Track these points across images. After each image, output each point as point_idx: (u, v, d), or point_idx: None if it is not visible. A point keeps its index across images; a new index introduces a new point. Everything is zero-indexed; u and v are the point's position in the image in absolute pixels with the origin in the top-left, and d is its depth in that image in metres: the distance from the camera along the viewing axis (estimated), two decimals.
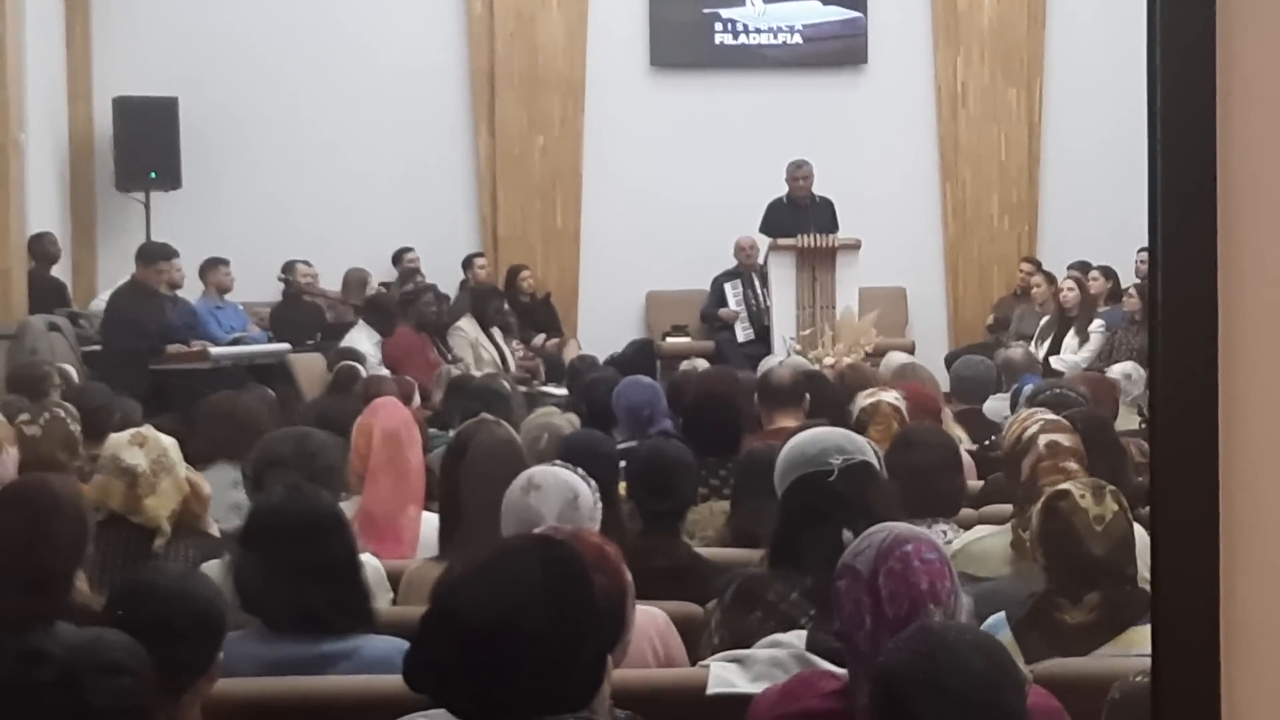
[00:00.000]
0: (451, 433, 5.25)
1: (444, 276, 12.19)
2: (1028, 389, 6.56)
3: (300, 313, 11.48)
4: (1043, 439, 4.28)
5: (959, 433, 6.41)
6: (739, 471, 4.94)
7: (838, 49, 13.26)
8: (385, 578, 4.08)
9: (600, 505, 3.67)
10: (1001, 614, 3.41)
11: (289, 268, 11.77)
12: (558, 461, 3.87)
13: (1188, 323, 1.47)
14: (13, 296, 9.88)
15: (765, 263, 11.58)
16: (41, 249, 10.94)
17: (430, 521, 4.57)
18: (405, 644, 2.42)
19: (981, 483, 5.50)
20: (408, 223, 12.61)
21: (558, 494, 3.57)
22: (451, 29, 12.95)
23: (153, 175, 12.09)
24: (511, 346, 11.37)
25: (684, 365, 8.73)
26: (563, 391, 9.48)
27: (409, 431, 4.90)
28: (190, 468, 4.53)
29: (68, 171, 12.41)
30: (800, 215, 11.65)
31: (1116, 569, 3.35)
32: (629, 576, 2.73)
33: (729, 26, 13.26)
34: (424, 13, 12.84)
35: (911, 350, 10.39)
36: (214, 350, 9.65)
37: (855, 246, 11.14)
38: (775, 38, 13.28)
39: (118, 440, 4.39)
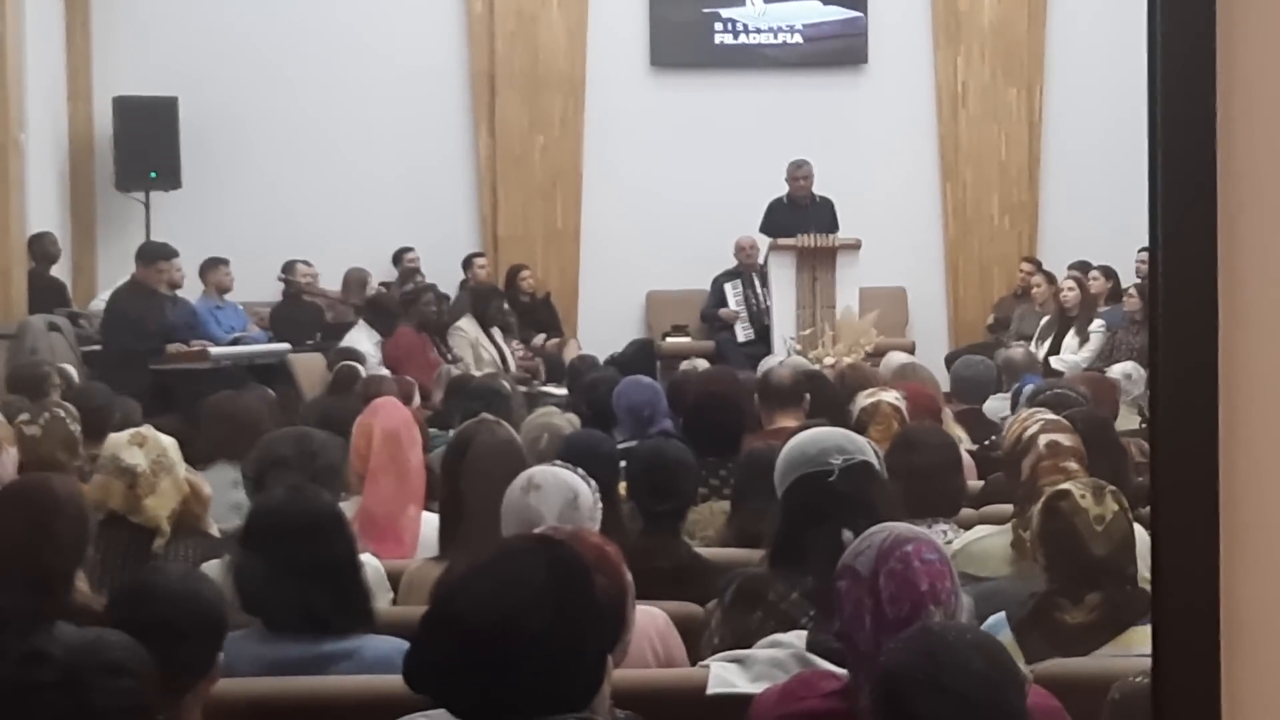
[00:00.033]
0: (452, 433, 5.24)
1: (444, 276, 12.19)
2: (1028, 389, 6.56)
3: (300, 312, 11.48)
4: (1043, 439, 4.28)
5: (959, 433, 6.41)
6: (739, 471, 4.94)
7: (838, 49, 13.26)
8: (385, 578, 4.08)
9: (600, 505, 3.67)
10: (1002, 614, 3.41)
11: (289, 267, 11.77)
12: (558, 461, 3.87)
13: (1188, 322, 1.47)
14: (13, 296, 9.88)
15: (765, 263, 11.58)
16: (41, 249, 10.94)
17: (430, 521, 4.57)
18: (405, 644, 2.42)
19: (982, 483, 5.50)
20: (408, 222, 12.61)
21: (558, 494, 3.57)
22: (452, 29, 12.95)
23: (153, 175, 12.10)
24: (512, 346, 11.37)
25: (684, 365, 8.73)
26: (563, 391, 9.48)
27: (409, 431, 4.90)
28: (190, 468, 4.54)
29: (68, 171, 12.42)
30: (800, 215, 11.65)
31: (1117, 569, 3.35)
32: (629, 577, 2.73)
33: (729, 26, 13.26)
34: (424, 12, 12.84)
35: (912, 350, 10.39)
36: (214, 350, 9.64)
37: (855, 246, 11.14)
38: (775, 37, 13.28)
39: (117, 440, 4.39)
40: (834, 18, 13.27)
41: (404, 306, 11.11)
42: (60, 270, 11.40)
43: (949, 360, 9.56)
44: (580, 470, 3.69)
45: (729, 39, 13.27)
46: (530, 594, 2.21)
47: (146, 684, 2.37)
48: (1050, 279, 11.78)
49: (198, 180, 12.14)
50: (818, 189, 11.90)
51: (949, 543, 4.15)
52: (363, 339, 10.45)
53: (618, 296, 12.86)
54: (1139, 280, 11.13)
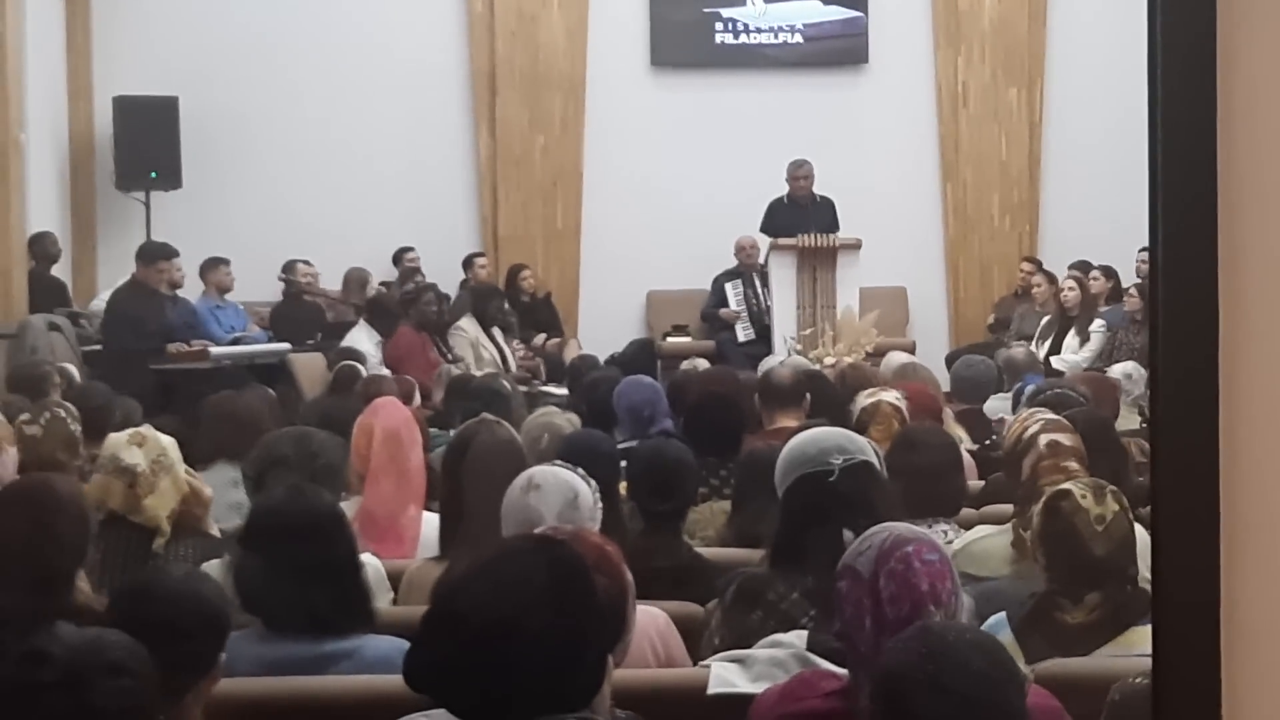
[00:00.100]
0: (452, 432, 5.25)
1: (444, 276, 12.19)
2: (1029, 389, 6.56)
3: (301, 312, 11.48)
4: (1043, 439, 4.28)
5: (959, 433, 6.41)
6: (740, 471, 4.94)
7: (838, 48, 13.26)
8: (386, 577, 4.08)
9: (601, 505, 3.67)
10: (1002, 614, 3.41)
11: (289, 267, 11.77)
12: (558, 461, 3.87)
13: (1188, 322, 1.47)
14: (13, 296, 9.88)
15: (766, 262, 11.58)
16: (42, 249, 10.94)
17: (431, 521, 4.57)
18: (406, 644, 2.42)
19: (982, 483, 5.50)
20: (408, 222, 12.61)
21: (558, 494, 3.57)
22: (452, 28, 12.95)
23: (153, 175, 12.10)
24: (512, 346, 11.38)
25: (685, 365, 8.73)
26: (563, 391, 9.47)
27: (410, 431, 4.90)
28: (191, 469, 4.54)
29: (68, 171, 12.42)
30: (801, 215, 11.65)
31: (1117, 569, 3.35)
32: (630, 577, 2.73)
33: (730, 26, 13.26)
34: (425, 12, 12.84)
35: (912, 350, 10.39)
36: (214, 350, 9.64)
37: (856, 246, 11.14)
38: (776, 37, 13.28)
39: (117, 440, 4.39)
40: (834, 17, 13.26)
41: (404, 306, 11.11)
42: (61, 270, 11.40)
43: (949, 360, 9.55)
44: (580, 470, 3.69)
45: (729, 39, 13.27)
46: (530, 594, 2.21)
47: (147, 684, 2.37)
48: (1051, 279, 11.78)
49: (198, 180, 12.14)
50: (818, 189, 11.90)
51: (949, 543, 4.15)
52: (363, 339, 10.45)
53: (618, 296, 12.86)
54: (1139, 280, 11.13)
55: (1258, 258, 1.46)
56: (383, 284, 12.27)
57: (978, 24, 13.18)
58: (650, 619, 3.40)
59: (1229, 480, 1.46)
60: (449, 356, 10.69)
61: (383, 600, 3.92)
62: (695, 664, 3.34)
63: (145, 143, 12.01)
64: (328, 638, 3.31)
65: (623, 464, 4.68)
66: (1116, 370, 8.01)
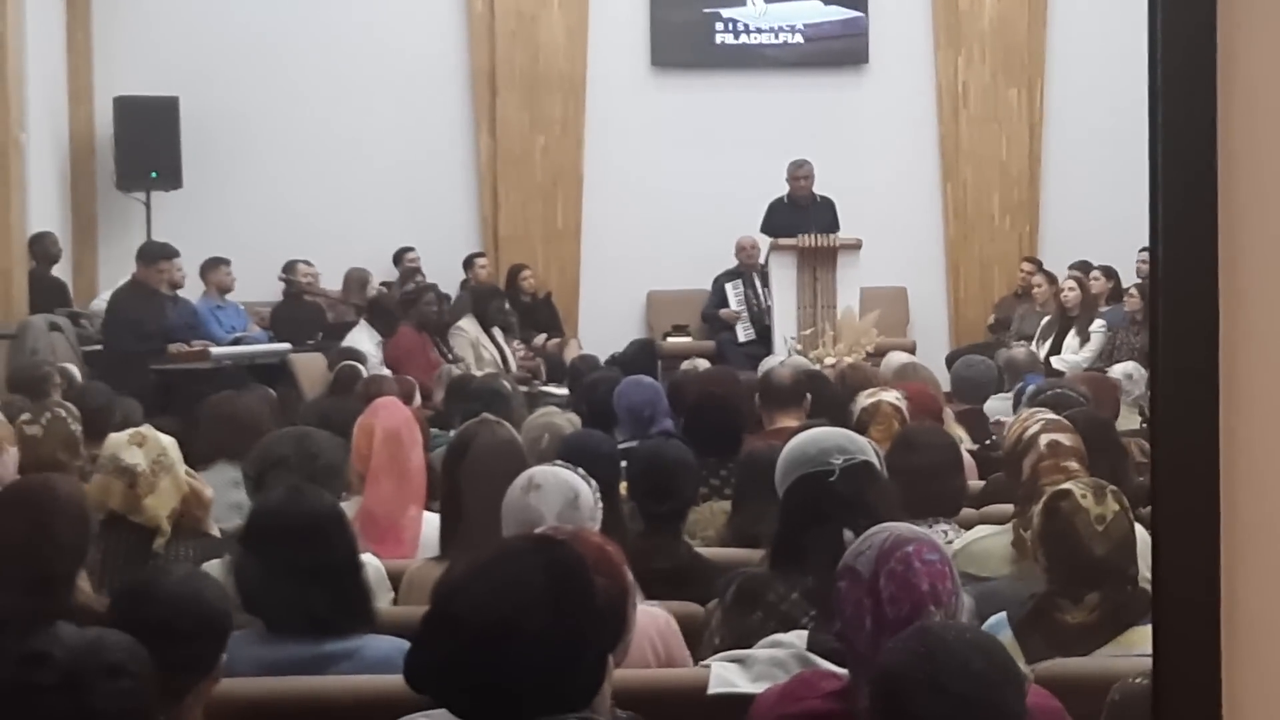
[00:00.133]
0: (452, 433, 5.24)
1: (445, 276, 12.19)
2: (1030, 389, 6.56)
3: (301, 312, 11.49)
4: (1044, 439, 4.28)
5: (960, 433, 6.41)
6: (740, 472, 4.94)
7: (839, 49, 13.26)
8: (386, 578, 4.08)
9: (601, 505, 3.67)
10: (1002, 614, 3.41)
11: (290, 267, 11.77)
12: (558, 461, 3.87)
13: (1188, 322, 1.47)
14: (13, 296, 9.88)
15: (766, 262, 11.58)
16: (42, 249, 10.94)
17: (431, 521, 4.57)
18: (406, 644, 2.42)
19: (982, 483, 5.50)
20: (409, 222, 12.61)
21: (558, 494, 3.57)
22: (452, 28, 12.95)
23: (153, 175, 12.10)
24: (512, 346, 11.38)
25: (685, 365, 8.73)
26: (563, 391, 9.48)
27: (410, 431, 4.90)
28: (191, 470, 4.54)
29: (68, 171, 12.42)
30: (801, 215, 11.65)
31: (1117, 569, 3.35)
32: (630, 577, 2.73)
33: (730, 26, 13.26)
34: (425, 12, 12.85)
35: (912, 350, 10.39)
36: (215, 350, 9.64)
37: (856, 246, 11.14)
38: (776, 37, 13.28)
39: (117, 440, 4.39)
40: (835, 18, 13.26)
41: (405, 306, 11.11)
42: (61, 270, 11.40)
43: (950, 360, 9.55)
44: (581, 470, 3.69)
45: (730, 39, 13.27)
46: (530, 594, 2.21)
47: (147, 685, 2.36)
48: (1051, 279, 11.78)
49: (198, 180, 12.14)
50: (818, 189, 11.90)
51: (950, 543, 4.15)
52: (364, 339, 10.45)
53: (618, 296, 12.86)
54: (1140, 280, 11.13)
55: (1258, 257, 1.46)
56: (383, 284, 12.27)
57: (978, 24, 13.19)
58: (650, 619, 3.40)
59: (1229, 480, 1.46)
60: (449, 357, 10.69)
61: (383, 600, 3.92)
62: (695, 664, 3.34)
63: (146, 143, 12.01)
64: (328, 638, 3.31)
65: (623, 464, 4.68)
66: (1117, 370, 8.01)
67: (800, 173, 11.91)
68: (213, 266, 11.05)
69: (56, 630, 2.35)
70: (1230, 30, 1.45)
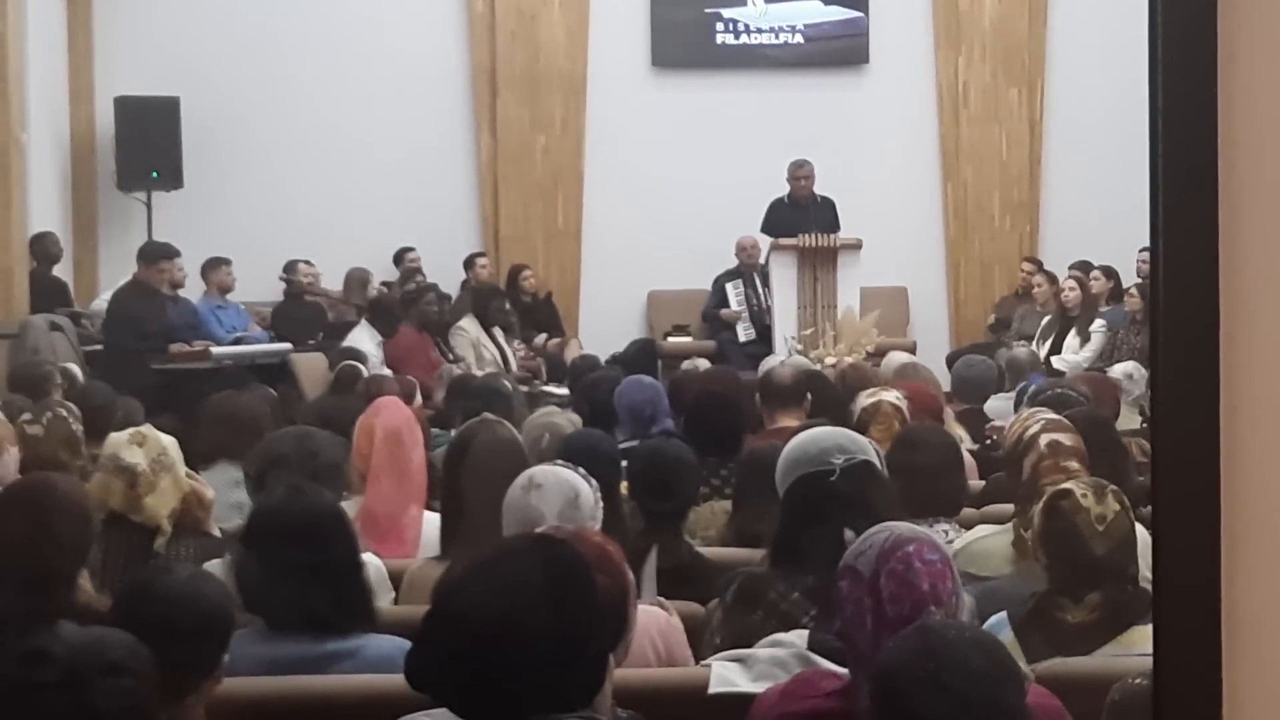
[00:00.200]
0: (453, 432, 5.25)
1: (445, 276, 12.20)
2: (1031, 389, 6.56)
3: (302, 312, 11.49)
4: (1044, 438, 4.28)
5: (960, 432, 6.42)
6: (740, 471, 4.95)
7: (839, 49, 13.26)
8: (387, 577, 4.08)
9: (601, 505, 3.67)
10: (1003, 613, 3.41)
11: (290, 267, 11.77)
12: (559, 461, 3.87)
13: (1189, 322, 1.47)
14: (14, 296, 9.88)
15: (767, 262, 11.57)
16: (43, 249, 10.94)
17: (432, 521, 4.57)
18: (407, 643, 2.42)
19: (983, 482, 5.50)
20: (409, 222, 12.62)
21: (559, 493, 3.57)
22: (453, 28, 12.95)
23: (154, 175, 12.10)
24: (513, 346, 11.38)
25: (685, 365, 8.74)
26: (564, 391, 9.48)
27: (411, 431, 4.90)
28: (193, 471, 4.54)
29: (69, 171, 12.42)
30: (802, 215, 11.65)
31: (1118, 568, 3.35)
32: (631, 576, 2.73)
33: (730, 26, 13.26)
34: (425, 11, 12.85)
35: (913, 350, 10.39)
36: (216, 350, 9.65)
37: (856, 246, 11.14)
38: (776, 37, 13.29)
39: (117, 439, 4.39)
40: (835, 18, 13.27)
41: (405, 306, 11.12)
42: (62, 270, 11.40)
43: (950, 360, 9.55)
44: (581, 470, 3.69)
45: (730, 39, 13.28)
46: (531, 593, 2.21)
47: (148, 684, 2.36)
48: (1051, 279, 11.78)
49: (199, 180, 12.15)
50: (819, 189, 11.90)
51: (950, 542, 4.15)
52: (364, 339, 10.46)
53: (619, 296, 12.86)
54: (1140, 280, 11.14)
55: (1258, 257, 1.46)
56: (384, 284, 12.28)
57: (978, 24, 13.19)
58: (651, 618, 3.40)
59: (1230, 480, 1.46)
60: (450, 356, 10.70)
61: (384, 600, 3.92)
62: (696, 663, 3.34)
63: (146, 143, 12.02)
64: (329, 637, 3.31)
65: (623, 464, 4.69)
66: (1117, 370, 8.01)
67: (801, 172, 11.90)
68: (213, 266, 11.05)
69: (58, 629, 2.35)
70: (1230, 30, 1.45)
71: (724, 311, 12.11)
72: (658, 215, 12.78)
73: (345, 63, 12.60)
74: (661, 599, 3.65)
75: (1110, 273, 11.54)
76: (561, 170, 13.03)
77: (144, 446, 4.33)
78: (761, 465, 4.25)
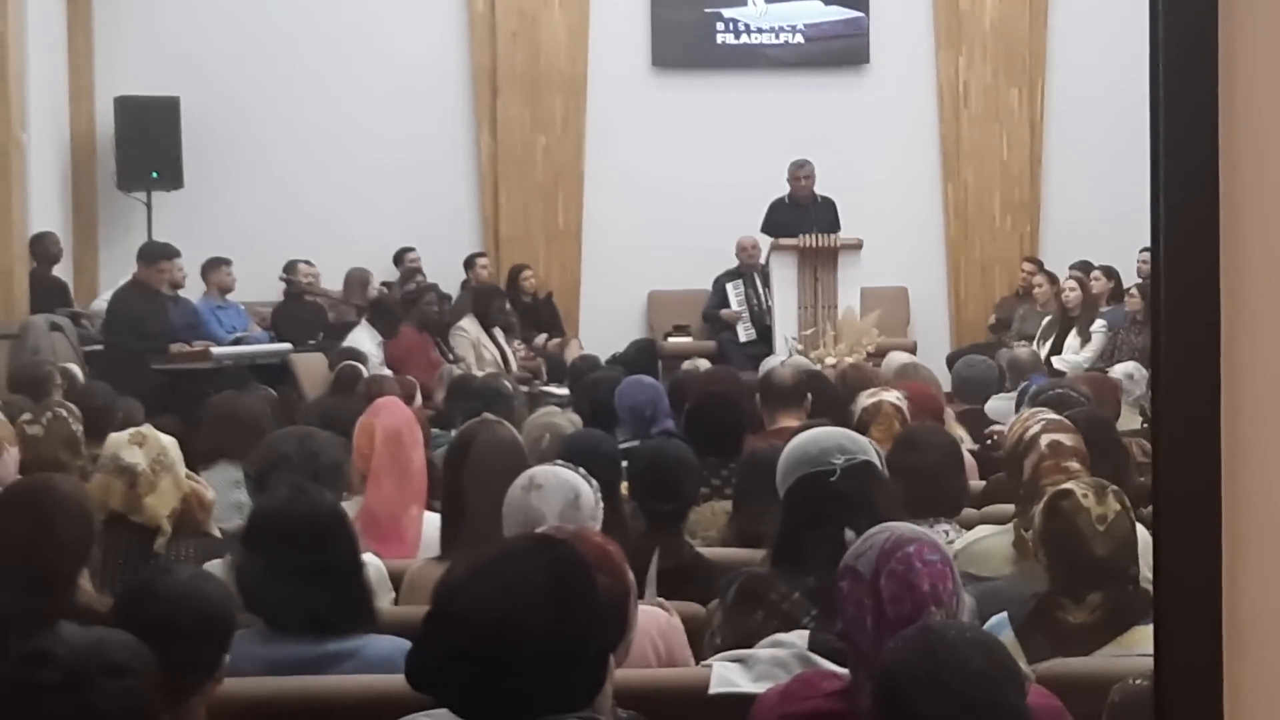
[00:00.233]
0: (453, 432, 5.25)
1: (446, 276, 12.19)
2: (1032, 389, 6.56)
3: (302, 312, 11.49)
4: (1045, 439, 4.28)
5: (961, 433, 6.42)
6: (741, 471, 4.95)
7: (839, 49, 13.26)
8: (387, 577, 4.08)
9: (602, 505, 3.67)
10: (1004, 614, 3.41)
11: (291, 267, 11.77)
12: (559, 461, 3.87)
13: (1190, 322, 1.47)
14: (14, 296, 9.88)
15: (767, 262, 11.57)
16: (43, 249, 10.94)
17: (432, 521, 4.57)
18: (408, 644, 2.42)
19: (984, 483, 5.50)
20: (409, 222, 12.62)
21: (559, 493, 3.57)
22: (453, 28, 12.95)
23: (154, 175, 12.10)
24: (513, 346, 11.38)
25: (686, 365, 8.74)
26: (564, 391, 9.48)
27: (411, 431, 4.90)
28: (193, 472, 4.54)
29: (69, 171, 12.42)
30: (802, 215, 11.64)
31: (1119, 569, 3.35)
32: (631, 576, 2.73)
33: (730, 26, 13.26)
34: (426, 12, 12.85)
35: (913, 350, 10.39)
36: (216, 350, 9.65)
37: (857, 246, 11.14)
38: (777, 37, 13.28)
39: (117, 439, 4.39)
40: (835, 18, 13.27)
41: (406, 306, 11.12)
42: (62, 270, 11.40)
43: (950, 360, 9.55)
44: (582, 470, 3.70)
45: (730, 39, 13.28)
46: (531, 593, 2.22)
47: (149, 684, 2.36)
48: (1052, 279, 11.78)
49: (199, 180, 12.15)
50: (819, 189, 11.89)
51: (951, 542, 4.15)
52: (365, 339, 10.46)
53: (619, 296, 12.86)
54: (1140, 280, 11.13)
55: (1259, 257, 1.46)
56: (384, 284, 12.27)
57: (978, 24, 13.19)
58: (652, 618, 3.40)
59: (1231, 480, 1.46)
60: (450, 357, 10.70)
61: (384, 600, 3.92)
62: (697, 664, 3.34)
63: (146, 143, 12.02)
64: (329, 638, 3.31)
65: (624, 464, 4.69)
66: (1118, 370, 8.01)
67: (801, 172, 11.90)
68: (214, 266, 11.05)
69: (59, 629, 2.35)
70: (1231, 30, 1.45)
71: (724, 312, 12.11)
72: (658, 215, 12.78)
73: (345, 63, 12.60)
74: (662, 599, 3.65)
75: (1111, 273, 11.54)
76: (562, 170, 13.03)
77: (144, 447, 4.33)
78: (762, 466, 4.25)
